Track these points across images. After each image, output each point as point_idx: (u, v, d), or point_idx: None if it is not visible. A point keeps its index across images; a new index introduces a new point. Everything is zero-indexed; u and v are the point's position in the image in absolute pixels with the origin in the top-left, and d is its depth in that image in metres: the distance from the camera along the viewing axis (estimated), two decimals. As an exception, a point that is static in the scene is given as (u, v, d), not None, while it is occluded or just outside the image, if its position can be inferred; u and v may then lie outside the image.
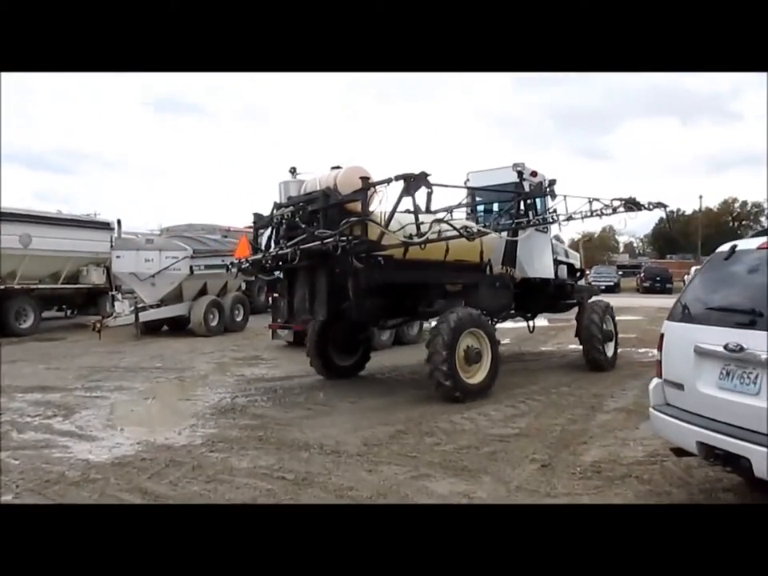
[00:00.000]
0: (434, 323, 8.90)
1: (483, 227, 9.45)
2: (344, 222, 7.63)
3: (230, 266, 9.69)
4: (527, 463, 5.61)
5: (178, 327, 17.38)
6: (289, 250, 7.77)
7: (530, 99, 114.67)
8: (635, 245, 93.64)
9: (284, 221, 8.35)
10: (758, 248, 4.25)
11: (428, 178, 7.87)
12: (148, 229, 25.97)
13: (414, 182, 7.78)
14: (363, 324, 9.74)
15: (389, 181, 7.69)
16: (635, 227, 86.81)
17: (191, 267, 16.68)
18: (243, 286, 19.87)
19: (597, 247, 70.09)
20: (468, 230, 8.89)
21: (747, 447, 3.72)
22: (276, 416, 7.58)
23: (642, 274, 45.56)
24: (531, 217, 10.17)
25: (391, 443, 6.29)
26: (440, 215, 9.05)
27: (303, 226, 7.95)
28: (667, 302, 32.23)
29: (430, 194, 8.09)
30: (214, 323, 17.07)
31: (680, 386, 4.44)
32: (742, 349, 3.86)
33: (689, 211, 79.90)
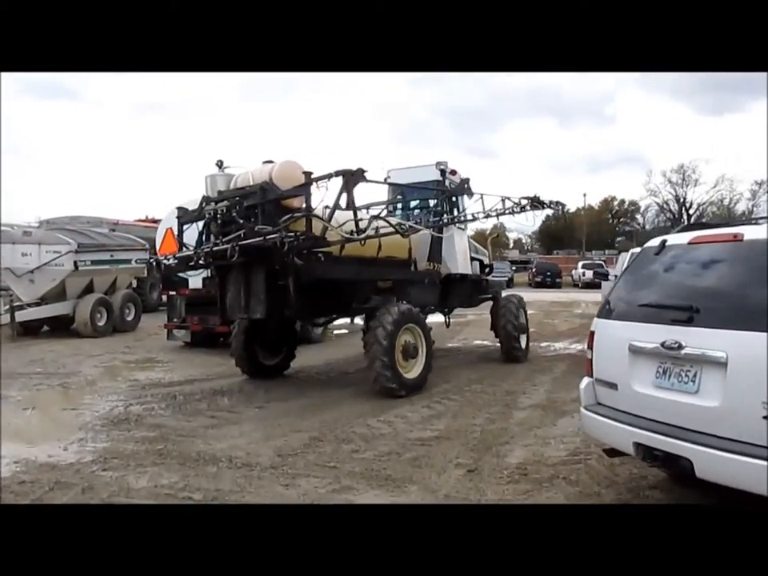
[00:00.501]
0: (357, 320, 9.10)
1: (415, 224, 9.47)
2: (287, 216, 7.54)
3: (152, 263, 9.01)
4: (452, 468, 5.36)
5: (61, 328, 15.99)
6: (227, 246, 7.48)
7: (424, 98, 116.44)
8: (524, 241, 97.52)
9: (218, 216, 7.94)
10: (690, 243, 4.18)
11: (365, 174, 7.91)
12: (24, 221, 23.83)
13: (352, 177, 7.78)
14: (290, 322, 9.59)
15: (330, 176, 7.66)
16: (525, 225, 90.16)
17: (75, 263, 15.38)
18: (134, 283, 18.66)
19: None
20: (402, 226, 8.93)
21: (688, 447, 3.61)
22: (177, 426, 6.94)
23: (534, 269, 47.37)
24: (455, 214, 10.50)
25: (307, 452, 5.86)
26: (375, 212, 9.06)
27: (241, 221, 7.66)
28: (559, 295, 33.66)
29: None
30: (102, 323, 15.86)
31: (613, 386, 4.31)
32: (680, 346, 3.76)
33: (572, 209, 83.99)
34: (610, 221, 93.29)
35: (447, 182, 10.37)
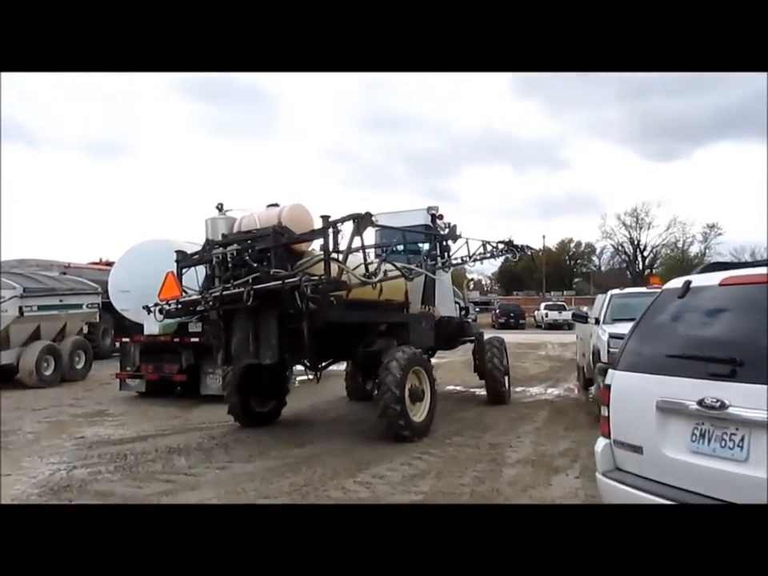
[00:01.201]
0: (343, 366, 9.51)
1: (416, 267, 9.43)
2: (305, 260, 7.78)
3: (150, 309, 8.72)
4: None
5: (4, 378, 14.82)
6: (240, 289, 7.44)
7: (377, 141, 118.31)
8: (483, 282, 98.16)
9: (230, 259, 7.86)
10: (721, 284, 3.69)
11: (372, 218, 8.05)
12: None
13: (362, 221, 7.84)
14: (282, 368, 9.43)
15: (344, 220, 7.66)
16: (485, 266, 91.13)
17: (21, 308, 14.32)
18: (85, 329, 17.58)
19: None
20: (406, 270, 8.99)
21: (737, 526, 3.04)
22: (126, 493, 6.10)
23: (497, 311, 47.24)
24: (446, 257, 10.63)
25: (277, 525, 5.13)
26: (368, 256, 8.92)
27: (255, 264, 7.65)
28: (524, 337, 33.28)
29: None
30: (49, 372, 14.74)
31: (637, 449, 3.74)
32: (723, 405, 3.22)
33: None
34: (567, 262, 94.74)
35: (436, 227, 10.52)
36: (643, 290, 10.93)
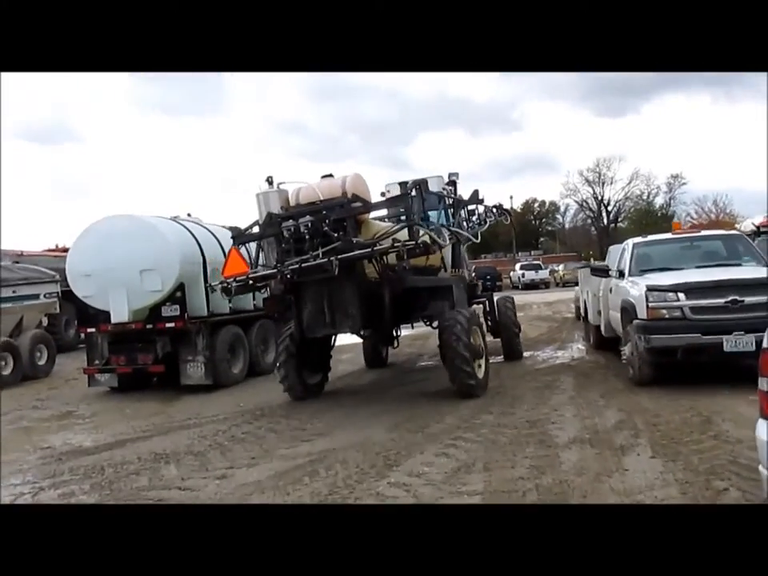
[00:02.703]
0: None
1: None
2: (387, 228, 7.90)
3: (216, 288, 8.66)
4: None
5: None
6: (323, 260, 7.47)
7: (329, 112, 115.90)
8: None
9: (304, 231, 7.78)
10: None
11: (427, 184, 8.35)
12: None
13: (424, 187, 8.15)
14: (328, 340, 9.60)
15: (413, 187, 7.87)
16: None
17: (-32, 303, 12.81)
18: (45, 321, 16.03)
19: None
20: (457, 234, 9.27)
21: None
22: (109, 522, 4.91)
23: (473, 274, 46.33)
24: (472, 222, 11.18)
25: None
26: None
27: (336, 234, 7.65)
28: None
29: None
30: (7, 372, 13.27)
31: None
32: None
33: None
34: (533, 222, 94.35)
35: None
36: (668, 236, 9.94)
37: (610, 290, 10.11)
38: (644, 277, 8.63)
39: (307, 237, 7.77)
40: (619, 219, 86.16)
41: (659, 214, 78.52)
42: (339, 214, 7.78)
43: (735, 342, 7.30)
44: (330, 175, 8.54)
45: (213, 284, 8.86)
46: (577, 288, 21.12)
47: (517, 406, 7.71)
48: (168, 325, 10.52)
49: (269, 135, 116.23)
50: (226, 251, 11.58)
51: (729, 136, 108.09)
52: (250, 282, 8.33)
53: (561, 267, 46.81)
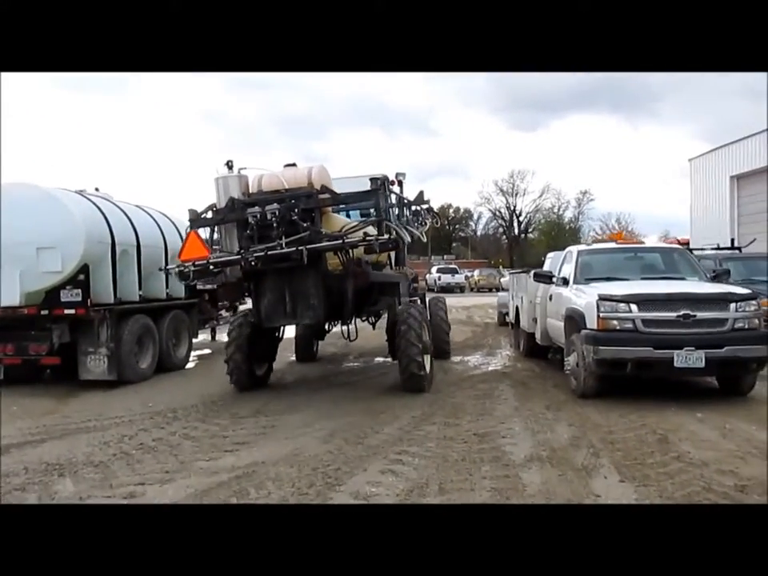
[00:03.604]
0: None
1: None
2: (359, 221, 8.35)
3: (171, 272, 8.52)
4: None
5: None
6: (290, 249, 7.55)
7: (250, 104, 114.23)
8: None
9: (271, 219, 7.72)
10: None
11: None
12: None
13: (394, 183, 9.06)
14: (275, 331, 9.45)
15: (382, 183, 8.39)
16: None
17: None
18: None
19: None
20: (407, 232, 9.00)
21: None
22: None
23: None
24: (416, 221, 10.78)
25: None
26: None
27: (305, 224, 7.74)
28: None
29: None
30: None
31: None
32: None
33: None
34: (447, 227, 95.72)
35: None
36: (613, 245, 9.72)
37: (550, 298, 9.79)
38: (591, 285, 8.31)
39: (275, 224, 7.68)
40: (529, 230, 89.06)
41: (567, 228, 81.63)
42: (307, 204, 7.83)
43: (686, 357, 7.06)
44: (294, 164, 8.59)
45: (168, 267, 8.64)
46: (501, 293, 21.14)
47: (460, 416, 7.15)
48: (67, 311, 9.29)
49: (185, 122, 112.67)
50: (138, 231, 10.64)
51: (631, 159, 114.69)
52: (210, 267, 8.05)
53: (476, 273, 47.34)
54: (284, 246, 7.56)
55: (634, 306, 7.34)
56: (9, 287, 9.22)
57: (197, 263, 7.95)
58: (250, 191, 8.42)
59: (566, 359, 8.34)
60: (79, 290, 9.31)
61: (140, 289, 10.59)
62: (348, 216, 9.89)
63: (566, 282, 9.01)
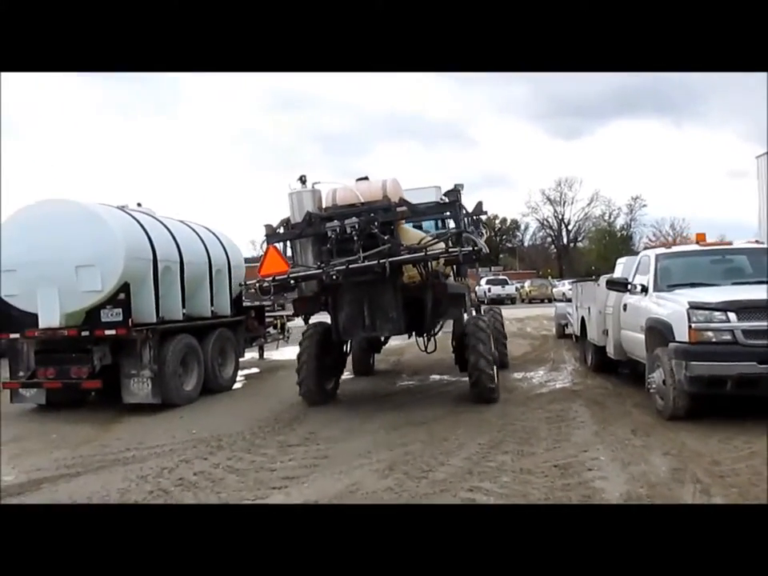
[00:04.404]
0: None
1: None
2: (445, 234, 8.36)
3: (251, 287, 8.69)
4: None
5: None
6: (371, 262, 7.61)
7: (287, 122, 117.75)
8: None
9: (351, 232, 7.78)
10: None
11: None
12: None
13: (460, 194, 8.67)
14: (342, 344, 9.51)
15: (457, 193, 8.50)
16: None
17: None
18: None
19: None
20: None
21: None
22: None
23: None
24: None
25: None
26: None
27: (386, 237, 7.78)
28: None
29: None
30: None
31: None
32: None
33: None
34: (494, 237, 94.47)
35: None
36: (695, 247, 8.74)
37: (624, 307, 8.88)
38: (675, 293, 7.40)
39: (355, 238, 7.71)
40: (579, 239, 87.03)
41: (619, 235, 79.34)
42: (385, 217, 7.85)
43: (797, 373, 6.10)
44: (366, 178, 8.61)
45: (248, 282, 8.65)
46: (559, 304, 20.15)
47: (534, 444, 6.34)
48: (108, 332, 8.84)
49: (224, 142, 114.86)
50: (181, 246, 10.18)
51: (678, 163, 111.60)
52: (291, 282, 8.08)
53: (527, 283, 46.08)
54: (365, 259, 7.60)
55: (732, 315, 6.40)
56: (48, 308, 8.83)
57: (277, 278, 7.98)
58: (324, 205, 8.43)
59: (648, 376, 7.42)
60: (120, 310, 8.85)
61: (183, 307, 10.10)
62: (420, 228, 9.97)
63: (644, 289, 8.11)
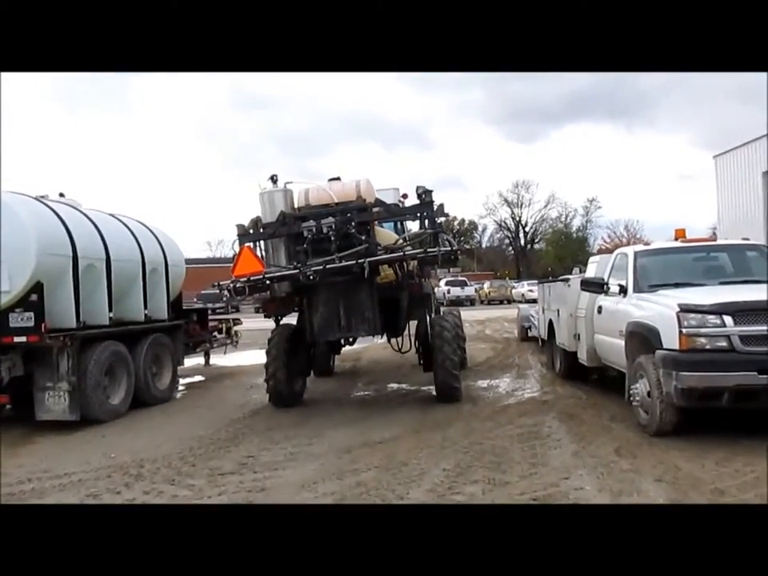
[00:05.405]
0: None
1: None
2: (420, 232, 8.18)
3: (226, 288, 8.05)
4: None
5: None
6: (349, 262, 7.57)
7: (251, 123, 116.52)
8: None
9: (328, 232, 7.78)
10: None
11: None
12: None
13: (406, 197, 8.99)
14: (310, 347, 9.53)
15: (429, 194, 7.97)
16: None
17: None
18: None
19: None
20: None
21: None
22: None
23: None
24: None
25: None
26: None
27: (363, 237, 7.75)
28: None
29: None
30: None
31: None
32: None
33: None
34: (453, 238, 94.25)
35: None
36: (677, 244, 8.02)
37: (599, 310, 8.14)
38: (660, 294, 6.65)
39: (331, 238, 7.68)
40: (536, 240, 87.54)
41: (575, 236, 79.96)
42: (362, 217, 7.83)
43: (801, 383, 5.39)
44: (338, 178, 8.60)
45: (221, 283, 8.16)
46: (522, 306, 19.50)
47: (507, 470, 5.47)
48: (17, 339, 7.68)
49: (179, 141, 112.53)
50: (108, 242, 9.05)
51: (630, 166, 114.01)
52: (267, 282, 8.02)
53: (486, 285, 45.66)
54: (341, 259, 7.54)
55: (728, 319, 5.66)
56: (-53, 313, 7.61)
57: (252, 278, 7.79)
58: (297, 205, 8.35)
59: (630, 387, 6.65)
60: (32, 313, 7.69)
61: (110, 310, 8.94)
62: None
63: (622, 290, 7.35)
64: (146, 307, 9.85)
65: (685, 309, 5.85)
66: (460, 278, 44.54)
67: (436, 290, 43.46)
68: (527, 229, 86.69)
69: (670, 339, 5.89)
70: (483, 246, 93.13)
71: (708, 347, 5.71)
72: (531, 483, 5.08)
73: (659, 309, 6.26)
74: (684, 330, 5.76)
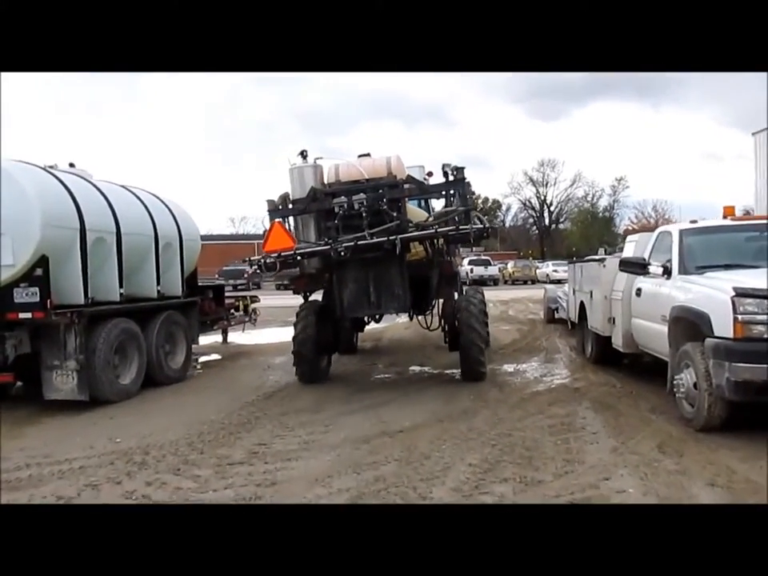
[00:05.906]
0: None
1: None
2: (451, 210, 7.96)
3: (257, 264, 8.02)
4: None
5: None
6: (381, 239, 7.49)
7: (271, 99, 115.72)
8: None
9: (360, 208, 7.69)
10: None
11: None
12: None
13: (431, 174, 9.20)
14: (338, 322, 9.31)
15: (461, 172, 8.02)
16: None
17: None
18: None
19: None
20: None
21: None
22: None
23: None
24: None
25: None
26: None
27: (394, 213, 7.70)
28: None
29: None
30: None
31: None
32: None
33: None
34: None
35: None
36: (727, 222, 7.40)
37: (638, 292, 7.57)
38: (709, 276, 6.08)
39: (363, 214, 7.64)
40: (561, 220, 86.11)
41: (601, 216, 78.44)
42: (394, 194, 7.79)
43: None
44: (368, 154, 8.49)
45: (252, 259, 8.12)
46: (549, 287, 18.86)
47: (540, 467, 5.00)
48: (22, 315, 7.34)
49: (200, 118, 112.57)
50: (118, 215, 8.65)
51: (659, 145, 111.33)
52: (298, 257, 7.98)
53: (510, 264, 44.90)
54: (371, 236, 7.49)
55: (791, 305, 5.09)
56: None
57: (283, 254, 7.73)
58: (327, 181, 8.27)
59: (674, 377, 6.11)
60: (36, 289, 7.34)
61: (121, 286, 8.58)
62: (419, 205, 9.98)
63: (666, 271, 6.77)
64: (158, 283, 9.47)
65: (741, 293, 5.27)
66: (483, 257, 43.82)
67: (459, 268, 43.17)
68: (552, 208, 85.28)
69: (723, 326, 5.33)
70: (507, 225, 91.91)
71: (766, 336, 5.15)
72: (567, 483, 4.60)
73: (710, 292, 5.69)
74: (739, 317, 5.20)
